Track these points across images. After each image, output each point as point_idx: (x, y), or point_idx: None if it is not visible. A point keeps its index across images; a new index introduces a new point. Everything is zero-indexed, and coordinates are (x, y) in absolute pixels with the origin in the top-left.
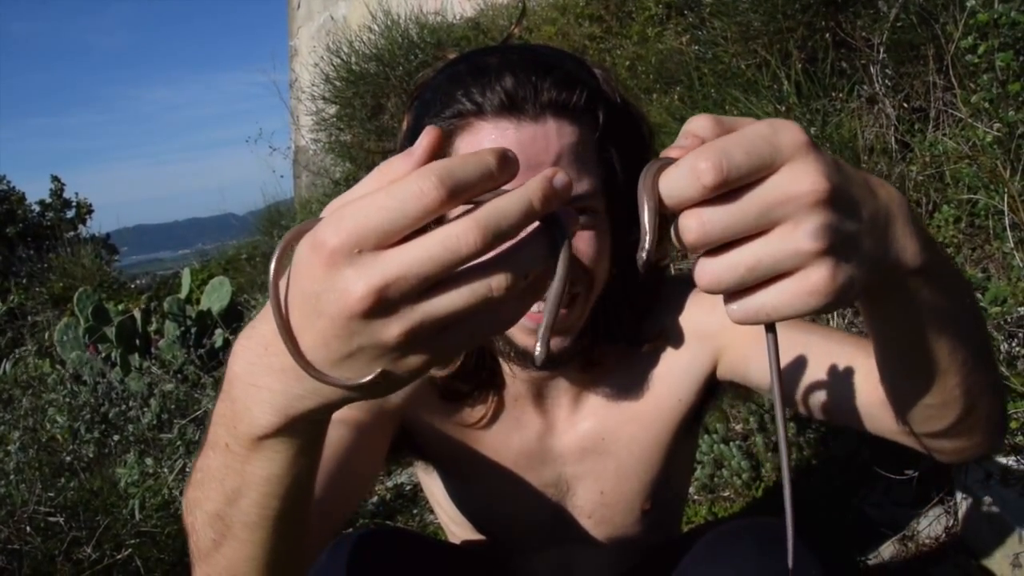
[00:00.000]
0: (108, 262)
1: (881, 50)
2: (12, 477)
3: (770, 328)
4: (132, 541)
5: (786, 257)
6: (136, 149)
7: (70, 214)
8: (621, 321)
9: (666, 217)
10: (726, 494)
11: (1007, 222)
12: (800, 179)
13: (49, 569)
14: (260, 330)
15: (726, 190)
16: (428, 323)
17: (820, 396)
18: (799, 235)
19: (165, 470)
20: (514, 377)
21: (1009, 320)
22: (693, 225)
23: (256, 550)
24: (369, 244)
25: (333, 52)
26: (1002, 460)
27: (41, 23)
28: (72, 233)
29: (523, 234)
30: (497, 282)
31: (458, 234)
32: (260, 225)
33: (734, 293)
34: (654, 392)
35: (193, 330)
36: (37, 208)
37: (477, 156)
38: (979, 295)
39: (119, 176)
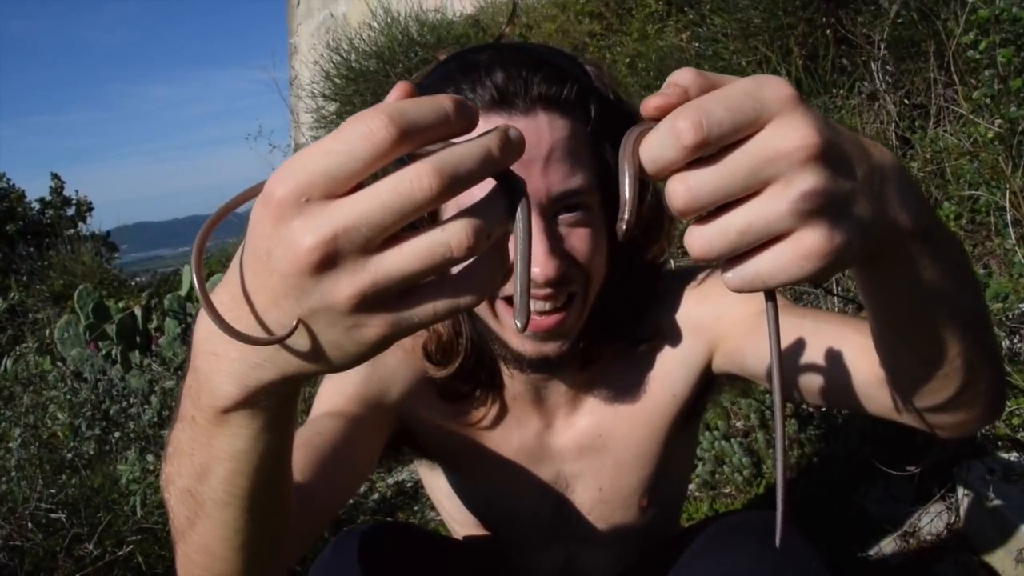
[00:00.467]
0: (108, 259)
1: (882, 46)
2: (13, 474)
3: (770, 297)
4: (133, 538)
5: (779, 218)
6: (136, 146)
7: (70, 211)
8: (619, 320)
9: (657, 195)
10: (727, 491)
11: (1008, 218)
12: (789, 134)
13: (51, 566)
14: (221, 297)
15: (711, 150)
16: (383, 283)
17: (816, 379)
18: (791, 193)
19: None
20: (512, 377)
21: (1011, 316)
22: (680, 190)
23: (227, 530)
24: (318, 192)
25: (333, 49)
26: (1004, 456)
27: (40, 21)
28: (72, 231)
29: (480, 191)
30: (457, 238)
31: (411, 177)
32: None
33: (730, 260)
34: (650, 388)
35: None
36: (37, 206)
37: (433, 99)
38: None
39: (119, 173)
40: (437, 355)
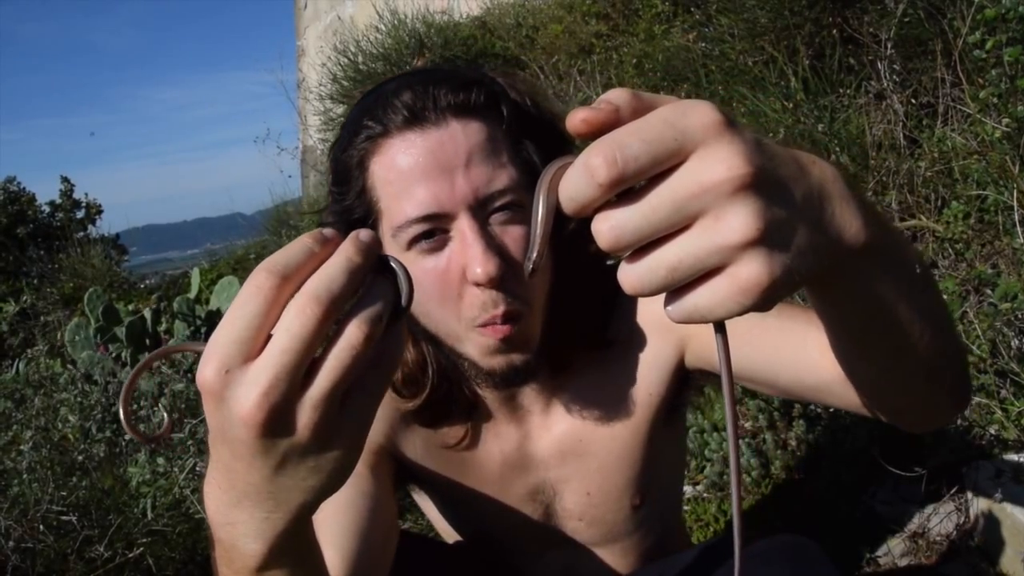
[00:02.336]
0: (118, 262)
1: (889, 46)
2: (25, 476)
3: (719, 328)
4: (144, 540)
5: (709, 254)
6: (144, 149)
7: (80, 214)
8: (582, 321)
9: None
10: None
11: (1016, 217)
12: (714, 165)
13: (62, 567)
14: (212, 474)
15: (634, 183)
16: (324, 406)
17: (779, 377)
18: (721, 228)
19: (176, 469)
20: (486, 393)
21: (1019, 316)
22: (603, 229)
23: None
24: (235, 361)
25: (340, 52)
26: (1014, 457)
27: (49, 24)
28: (82, 233)
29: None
30: (356, 338)
31: (295, 313)
32: (268, 225)
33: (670, 292)
34: (625, 389)
35: (203, 330)
36: (47, 209)
37: (297, 240)
38: (989, 291)
39: (128, 176)
40: (404, 388)
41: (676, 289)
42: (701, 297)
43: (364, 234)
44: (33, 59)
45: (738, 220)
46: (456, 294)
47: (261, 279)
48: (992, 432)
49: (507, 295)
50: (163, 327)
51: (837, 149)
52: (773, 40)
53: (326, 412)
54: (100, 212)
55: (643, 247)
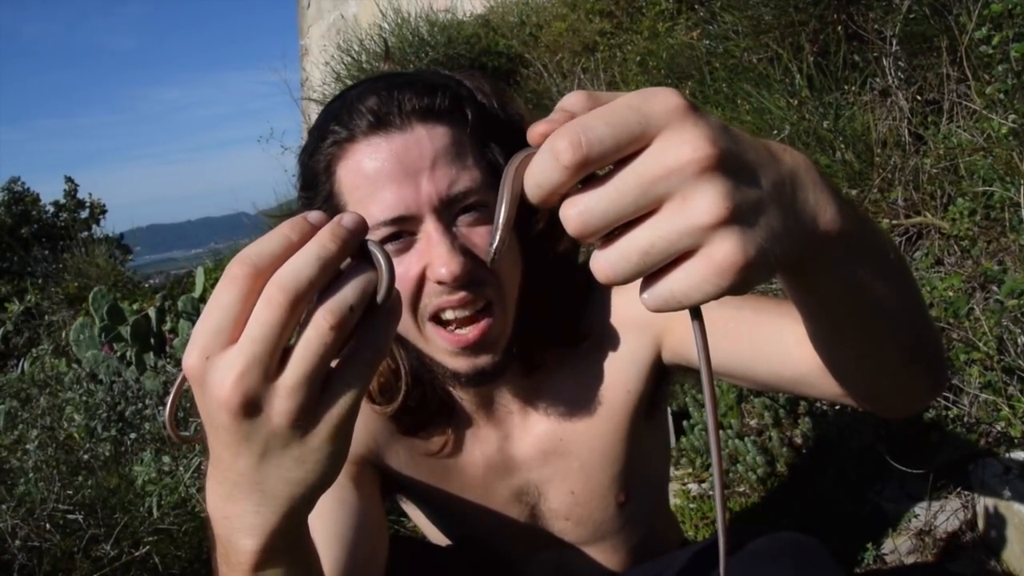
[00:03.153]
0: (122, 262)
1: (894, 42)
2: (31, 475)
3: (695, 315)
4: (150, 538)
5: (680, 235)
6: (148, 149)
7: (84, 214)
8: (551, 321)
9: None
10: (741, 489)
11: (1023, 214)
12: (677, 147)
13: (69, 566)
14: (209, 469)
15: (597, 168)
16: (298, 393)
17: (757, 370)
18: (688, 209)
19: (181, 468)
20: (462, 397)
21: None
22: (572, 214)
23: None
24: (215, 348)
25: (344, 51)
26: (1021, 455)
27: (52, 24)
28: (86, 233)
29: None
30: (322, 328)
31: (265, 303)
32: (272, 224)
33: (645, 279)
34: (602, 387)
35: None
36: (51, 209)
37: (275, 230)
38: (995, 288)
39: (132, 176)
40: (378, 395)
41: (650, 276)
42: (676, 281)
43: (347, 219)
44: (37, 60)
45: (705, 200)
46: (415, 295)
47: (235, 269)
48: (999, 429)
49: (476, 300)
50: (168, 326)
51: (842, 146)
52: (778, 37)
53: (301, 400)
54: (104, 212)
55: (613, 235)
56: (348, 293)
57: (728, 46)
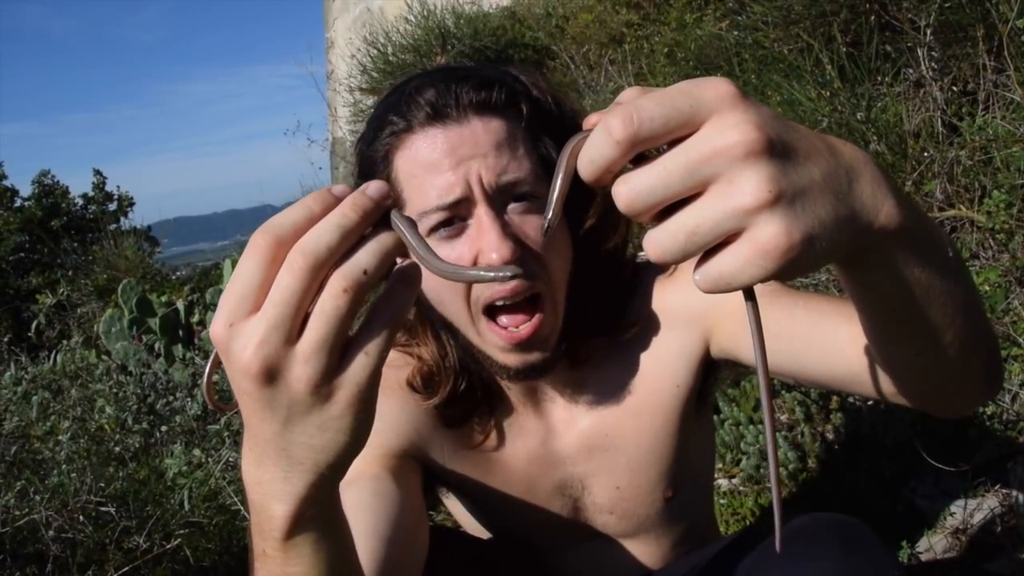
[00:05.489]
0: (150, 253)
1: (928, 32)
2: (64, 466)
3: (748, 296)
4: (181, 531)
5: (725, 217)
6: (175, 143)
7: (112, 207)
8: (598, 312)
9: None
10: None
11: None
12: (726, 131)
13: (101, 558)
14: (244, 438)
15: (645, 147)
16: (317, 359)
17: (808, 368)
18: (734, 192)
19: (211, 461)
20: (508, 389)
21: None
22: (622, 191)
23: None
24: (239, 315)
25: (370, 43)
26: None
27: (79, 20)
28: (115, 225)
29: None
30: (334, 290)
31: (285, 269)
32: None
33: (698, 261)
34: (650, 381)
35: None
36: (80, 201)
37: (298, 202)
38: None
39: (159, 169)
40: (423, 386)
41: (703, 257)
42: (724, 263)
43: (373, 188)
44: (65, 56)
45: (750, 184)
46: (468, 285)
47: (258, 239)
48: None
49: (524, 289)
50: (196, 318)
51: (874, 137)
52: (808, 28)
53: (318, 365)
54: (132, 204)
55: (664, 215)
56: (361, 257)
57: (757, 37)
